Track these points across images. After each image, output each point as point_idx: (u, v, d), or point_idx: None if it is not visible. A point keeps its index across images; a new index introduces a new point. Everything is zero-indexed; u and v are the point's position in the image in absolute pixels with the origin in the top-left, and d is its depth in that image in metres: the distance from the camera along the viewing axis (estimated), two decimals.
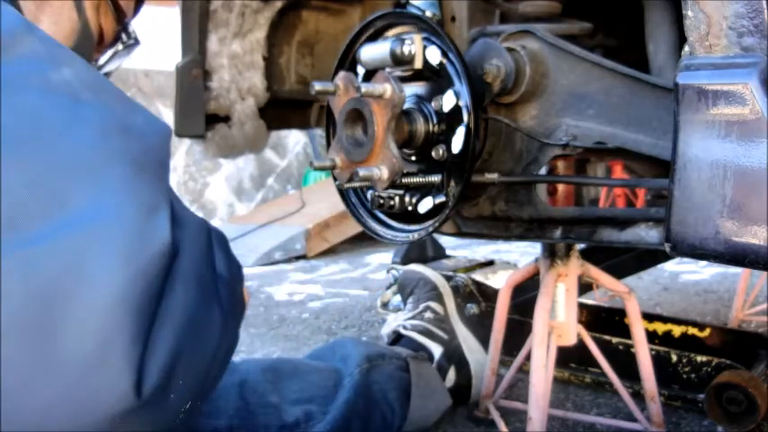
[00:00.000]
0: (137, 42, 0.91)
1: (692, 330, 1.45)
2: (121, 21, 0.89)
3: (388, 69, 0.89)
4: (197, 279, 0.51)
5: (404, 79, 0.91)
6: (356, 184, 0.93)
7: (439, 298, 1.43)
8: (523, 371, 1.26)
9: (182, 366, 0.48)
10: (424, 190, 0.92)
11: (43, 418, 0.41)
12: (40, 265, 0.41)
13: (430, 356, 1.33)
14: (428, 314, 1.40)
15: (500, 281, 1.62)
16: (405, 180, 0.90)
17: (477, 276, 1.62)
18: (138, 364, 0.43)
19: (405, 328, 1.39)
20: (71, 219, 0.43)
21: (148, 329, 0.45)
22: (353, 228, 3.34)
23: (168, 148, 0.55)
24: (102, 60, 0.89)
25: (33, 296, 0.40)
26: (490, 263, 1.86)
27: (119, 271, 0.43)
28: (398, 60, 0.88)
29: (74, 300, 0.41)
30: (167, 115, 4.26)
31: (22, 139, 0.44)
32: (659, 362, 1.32)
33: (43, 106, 0.47)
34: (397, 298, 1.66)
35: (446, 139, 0.90)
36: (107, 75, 0.88)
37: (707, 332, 1.44)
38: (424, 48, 0.88)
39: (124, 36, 0.90)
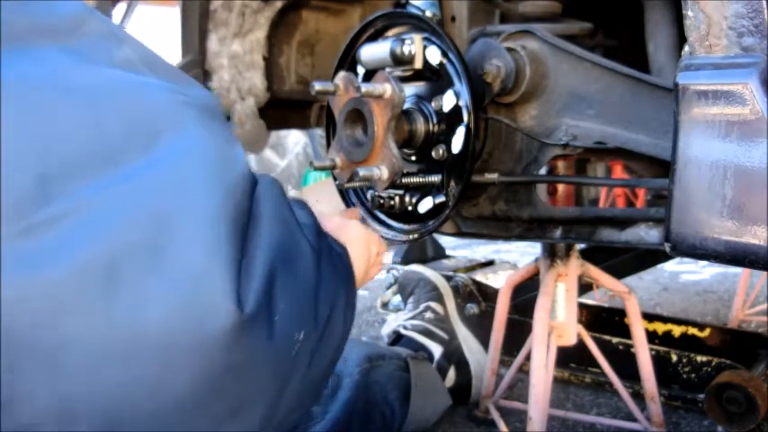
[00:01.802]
0: None
1: (692, 330, 1.45)
2: None
3: (388, 69, 0.89)
4: (278, 215, 0.55)
5: (404, 79, 0.91)
6: (356, 184, 0.93)
7: (439, 298, 1.43)
8: (523, 371, 1.26)
9: (279, 288, 0.50)
10: (424, 190, 0.92)
11: (163, 332, 0.44)
12: (147, 192, 0.46)
13: (430, 356, 1.33)
14: (428, 314, 1.40)
15: (500, 281, 1.62)
16: (405, 180, 0.90)
17: (478, 276, 1.62)
18: (238, 273, 0.47)
19: (405, 327, 1.39)
20: (166, 151, 0.48)
21: (243, 241, 0.49)
22: None
23: (220, 113, 0.58)
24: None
25: (148, 219, 0.45)
26: (490, 263, 1.86)
27: (214, 188, 0.48)
28: (398, 60, 0.88)
29: (181, 216, 0.46)
30: None
31: (108, 96, 0.49)
32: (659, 362, 1.32)
33: (115, 75, 0.51)
34: (397, 298, 1.66)
35: (446, 139, 0.89)
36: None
37: (707, 332, 1.44)
38: (424, 48, 0.88)
39: None
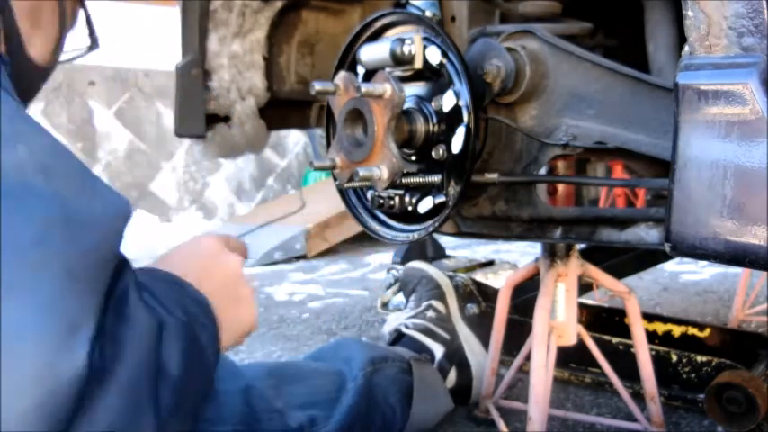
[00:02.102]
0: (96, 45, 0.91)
1: (692, 330, 1.45)
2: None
3: (388, 69, 0.89)
4: (130, 388, 0.51)
5: (404, 79, 0.91)
6: (356, 184, 0.93)
7: (441, 296, 1.43)
8: (523, 371, 1.26)
9: None
10: (424, 190, 0.92)
11: None
12: None
13: (431, 356, 1.33)
14: (430, 313, 1.40)
15: (500, 281, 1.62)
16: (405, 180, 0.90)
17: (478, 276, 1.62)
18: None
19: (406, 326, 1.38)
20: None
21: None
22: (353, 228, 3.34)
23: (122, 232, 0.54)
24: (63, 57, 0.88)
25: None
26: (490, 263, 1.86)
27: (28, 393, 0.44)
28: (398, 60, 0.88)
29: None
30: (167, 115, 4.26)
31: None
32: (659, 362, 1.32)
33: None
34: (397, 298, 1.66)
35: (446, 139, 0.89)
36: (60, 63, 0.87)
37: (707, 332, 1.44)
38: (424, 48, 0.88)
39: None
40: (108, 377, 0.50)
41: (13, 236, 0.45)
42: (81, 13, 0.89)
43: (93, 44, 0.93)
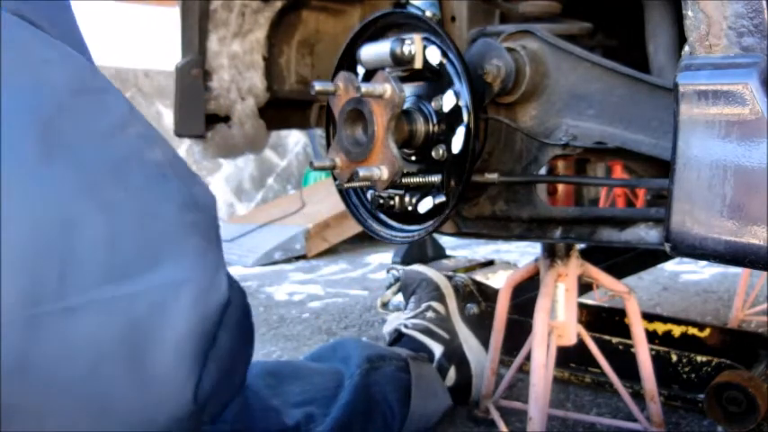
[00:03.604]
0: None
1: (692, 330, 1.45)
2: None
3: (388, 69, 0.89)
4: (238, 326, 0.66)
5: (404, 79, 0.91)
6: (356, 184, 0.93)
7: (441, 298, 1.43)
8: (523, 371, 1.26)
9: (220, 389, 0.63)
10: (424, 190, 0.92)
11: (132, 416, 0.55)
12: (137, 305, 0.55)
13: (430, 355, 1.33)
14: (430, 313, 1.40)
15: (500, 281, 1.62)
16: (405, 180, 0.90)
17: (478, 276, 1.62)
18: (197, 382, 0.58)
19: (406, 326, 1.39)
20: (163, 277, 0.57)
21: (206, 358, 0.60)
22: (353, 228, 3.34)
23: (217, 225, 0.68)
24: None
25: (132, 327, 0.54)
26: (490, 263, 1.86)
27: (190, 316, 0.58)
28: (398, 60, 0.88)
29: (160, 332, 0.56)
30: (167, 115, 4.26)
31: (131, 210, 0.58)
32: (659, 362, 1.32)
33: (142, 182, 0.59)
34: (397, 298, 1.66)
35: (446, 139, 0.90)
36: None
37: (707, 332, 1.44)
38: (424, 48, 0.88)
39: None
40: (229, 310, 0.64)
41: (165, 215, 0.60)
42: None
43: None
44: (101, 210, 0.54)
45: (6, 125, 0.51)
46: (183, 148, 4.31)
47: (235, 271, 2.93)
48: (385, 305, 1.72)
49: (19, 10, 0.58)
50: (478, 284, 1.51)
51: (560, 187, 1.26)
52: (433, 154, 0.90)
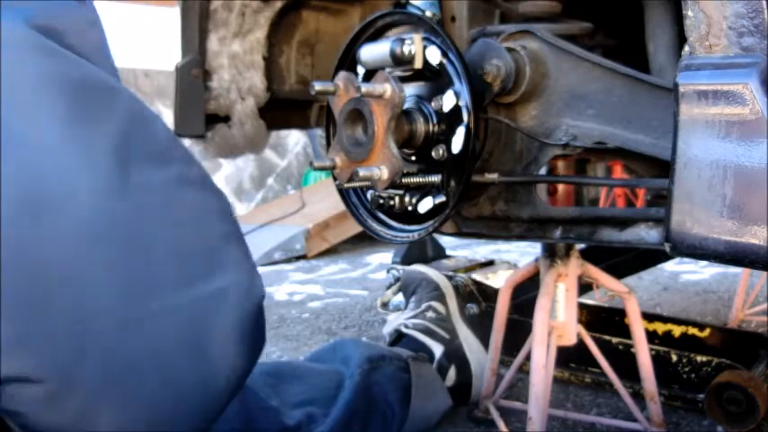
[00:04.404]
0: None
1: (692, 330, 1.45)
2: None
3: (388, 69, 0.89)
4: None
5: (404, 79, 0.91)
6: (356, 184, 0.93)
7: (441, 298, 1.43)
8: (523, 371, 1.26)
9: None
10: (424, 190, 0.92)
11: (197, 387, 0.65)
12: (199, 306, 0.64)
13: (431, 355, 1.33)
14: (430, 313, 1.40)
15: (500, 281, 1.62)
16: (405, 180, 0.90)
17: (477, 276, 1.62)
18: (246, 360, 0.69)
19: (406, 326, 1.39)
20: (216, 279, 0.66)
21: (255, 340, 0.70)
22: (353, 228, 3.34)
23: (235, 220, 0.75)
24: None
25: (195, 321, 0.64)
26: (490, 263, 1.86)
27: (237, 312, 0.67)
28: (398, 60, 0.88)
29: (215, 326, 0.65)
30: (167, 115, 4.26)
31: (195, 221, 0.67)
32: (659, 362, 1.32)
33: (194, 199, 0.68)
34: (397, 298, 1.66)
35: (446, 139, 0.90)
36: None
37: (707, 332, 1.44)
38: (424, 48, 0.88)
39: None
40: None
41: (214, 226, 0.69)
42: None
43: None
44: (173, 226, 0.64)
45: (87, 154, 0.59)
46: None
47: None
48: (385, 305, 1.72)
49: (49, 23, 0.62)
50: (478, 284, 1.51)
51: (560, 187, 1.26)
52: (433, 154, 0.90)
